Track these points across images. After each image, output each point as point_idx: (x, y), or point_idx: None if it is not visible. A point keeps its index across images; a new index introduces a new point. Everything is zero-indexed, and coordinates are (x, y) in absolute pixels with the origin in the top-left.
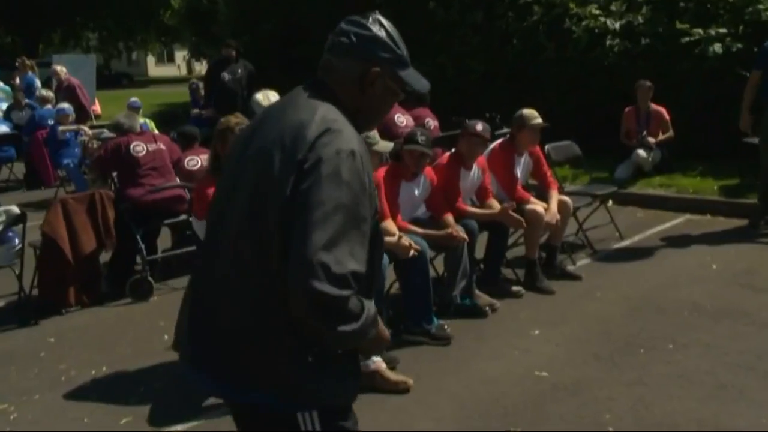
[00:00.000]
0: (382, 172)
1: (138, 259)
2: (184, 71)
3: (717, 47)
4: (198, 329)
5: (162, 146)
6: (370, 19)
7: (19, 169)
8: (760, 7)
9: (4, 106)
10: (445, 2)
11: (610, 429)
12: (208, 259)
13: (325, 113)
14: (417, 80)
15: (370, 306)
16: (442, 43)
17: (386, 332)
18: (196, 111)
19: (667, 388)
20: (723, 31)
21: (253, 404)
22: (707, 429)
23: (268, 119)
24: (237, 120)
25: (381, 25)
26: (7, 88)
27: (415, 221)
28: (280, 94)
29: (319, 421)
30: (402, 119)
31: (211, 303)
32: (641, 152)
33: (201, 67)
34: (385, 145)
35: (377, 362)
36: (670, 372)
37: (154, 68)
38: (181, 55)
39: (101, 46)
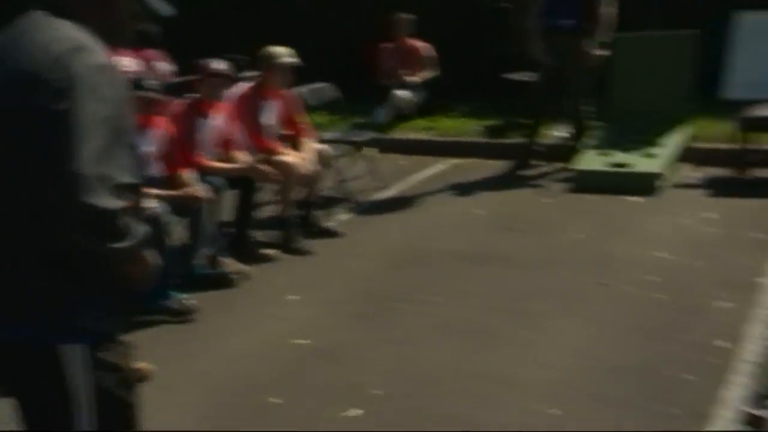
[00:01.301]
0: None
1: None
2: None
3: None
4: None
5: None
6: None
7: None
8: None
9: None
10: None
11: (377, 390)
12: None
13: (70, 32)
14: (156, 2)
15: (140, 225)
16: None
17: (154, 258)
18: None
19: (431, 341)
20: None
21: (11, 340)
22: (470, 378)
23: (6, 46)
24: None
25: None
26: None
27: (149, 181)
28: None
29: (81, 353)
30: (127, 62)
31: None
32: (399, 93)
33: None
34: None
35: None
36: (434, 324)
37: None
38: None
39: None
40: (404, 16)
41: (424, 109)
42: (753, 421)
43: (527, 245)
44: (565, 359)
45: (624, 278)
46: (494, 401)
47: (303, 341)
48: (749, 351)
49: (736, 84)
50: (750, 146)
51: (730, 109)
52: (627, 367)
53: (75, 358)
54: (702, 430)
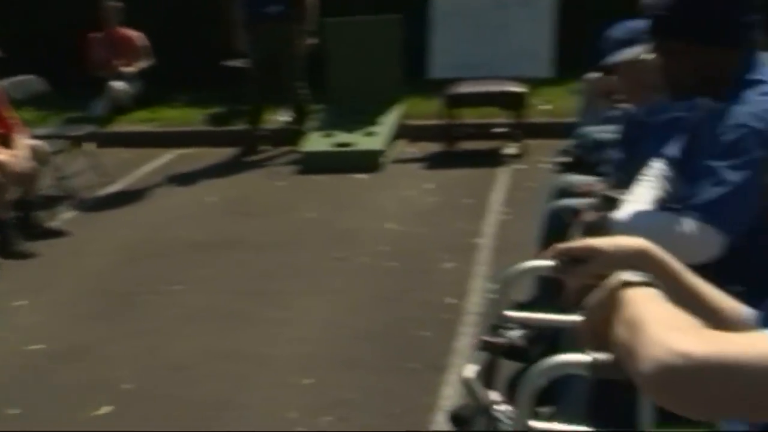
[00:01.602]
0: None
1: None
2: None
3: None
4: None
5: None
6: None
7: None
8: None
9: None
10: None
11: (127, 385)
12: None
13: None
14: None
15: None
16: None
17: None
18: None
19: (179, 330)
20: None
21: None
22: (221, 361)
23: None
24: None
25: None
26: None
27: None
28: None
29: None
30: None
31: None
32: (115, 84)
33: None
34: None
35: None
36: (180, 313)
37: None
38: None
39: None
40: (113, 4)
41: (142, 101)
42: (489, 346)
43: (263, 228)
44: (313, 332)
45: (359, 251)
46: (250, 380)
47: (37, 347)
48: (474, 304)
49: (439, 64)
50: (455, 121)
51: (437, 87)
52: (371, 332)
53: None
54: (441, 379)
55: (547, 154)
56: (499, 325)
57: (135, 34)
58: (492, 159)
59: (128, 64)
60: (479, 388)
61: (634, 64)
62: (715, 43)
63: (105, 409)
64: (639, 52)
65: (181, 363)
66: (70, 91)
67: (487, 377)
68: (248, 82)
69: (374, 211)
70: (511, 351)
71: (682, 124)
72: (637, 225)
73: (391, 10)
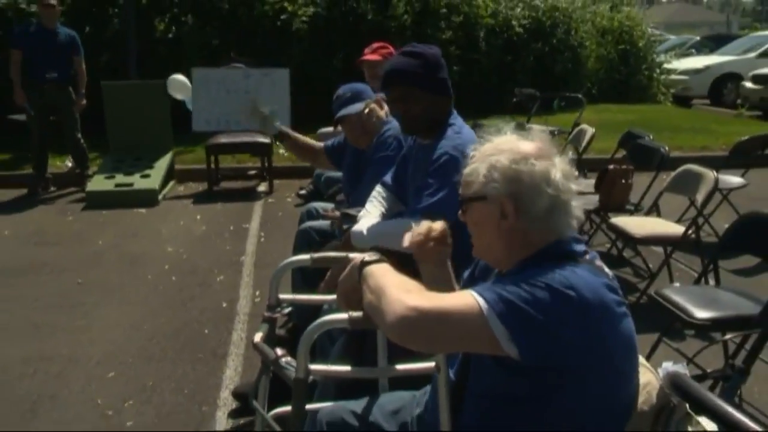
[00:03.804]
0: None
1: None
2: None
3: None
4: None
5: None
6: None
7: None
8: None
9: None
10: None
11: None
12: None
13: None
14: None
15: None
16: None
17: None
18: None
19: None
20: None
21: None
22: (36, 362)
23: None
24: None
25: None
26: None
27: None
28: None
29: None
30: None
31: None
32: None
33: None
34: None
35: None
36: None
37: None
38: None
39: None
40: None
41: None
42: (269, 320)
43: (62, 254)
44: (114, 336)
45: (146, 270)
46: (59, 377)
47: None
48: (243, 306)
49: (200, 120)
50: (217, 165)
51: (201, 139)
52: (163, 332)
53: None
54: (222, 364)
55: (290, 190)
56: (275, 305)
57: None
58: (248, 195)
59: None
60: (266, 349)
61: (356, 117)
62: (437, 92)
63: None
64: (359, 107)
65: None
66: None
67: (270, 342)
68: (30, 134)
69: (155, 238)
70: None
71: (393, 159)
72: (377, 230)
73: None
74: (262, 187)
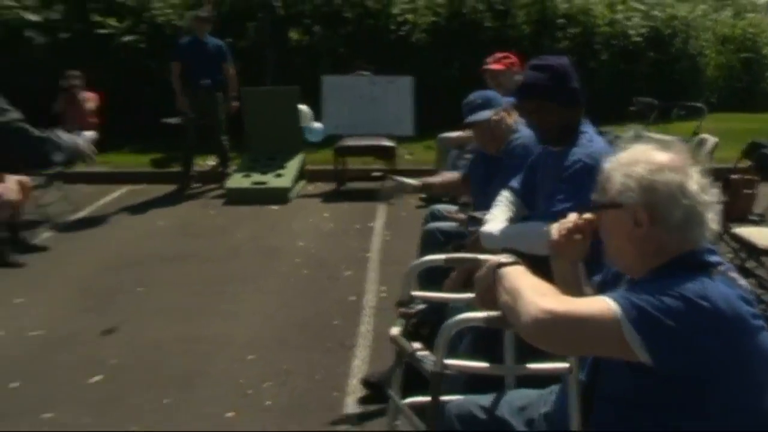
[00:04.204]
0: None
1: None
2: None
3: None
4: None
5: None
6: None
7: None
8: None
9: None
10: None
11: (113, 361)
12: None
13: None
14: None
15: None
16: None
17: None
18: None
19: (150, 320)
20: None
21: None
22: (187, 342)
23: None
24: None
25: None
26: None
27: None
28: None
29: None
30: None
31: None
32: (84, 133)
33: None
34: None
35: None
36: (153, 307)
37: None
38: None
39: None
40: (75, 73)
41: (96, 148)
42: (404, 315)
43: (206, 245)
44: (253, 322)
45: (280, 263)
46: (207, 356)
47: (37, 333)
48: (369, 300)
49: (331, 124)
50: (344, 167)
51: (330, 141)
52: (297, 321)
53: None
54: (350, 354)
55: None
56: (408, 301)
57: (91, 96)
58: (372, 196)
59: (86, 119)
60: (404, 342)
61: (486, 123)
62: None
63: (95, 378)
64: (489, 114)
65: (155, 344)
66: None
67: (406, 335)
68: (183, 136)
69: (287, 234)
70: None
71: (521, 166)
72: (509, 232)
73: (293, 83)
74: None
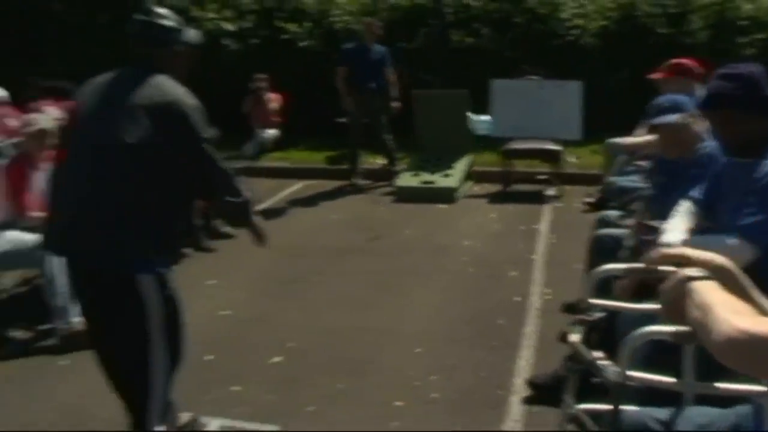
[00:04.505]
0: (15, 166)
1: None
2: None
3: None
4: (68, 231)
5: None
6: (157, 15)
7: None
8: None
9: None
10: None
11: (291, 344)
12: (67, 187)
13: (166, 81)
14: (195, 35)
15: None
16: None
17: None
18: None
19: (324, 308)
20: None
21: (107, 270)
22: (358, 332)
23: (114, 91)
24: None
25: (164, 16)
26: None
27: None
28: None
29: (154, 281)
30: (53, 111)
31: (80, 212)
32: (268, 131)
33: None
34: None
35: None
36: (327, 296)
37: None
38: None
39: None
40: (262, 76)
41: (278, 145)
42: (583, 322)
43: (378, 239)
44: (421, 316)
45: (447, 260)
46: (378, 346)
47: (227, 312)
48: (535, 302)
49: (499, 126)
50: (510, 169)
51: (497, 143)
52: (463, 318)
53: (148, 283)
54: (515, 354)
55: (578, 196)
56: (586, 308)
57: (275, 96)
58: (537, 198)
59: (269, 118)
60: (584, 349)
61: (673, 126)
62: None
63: (276, 359)
64: (677, 118)
65: (329, 331)
66: (230, 136)
67: (586, 342)
68: (349, 135)
69: (454, 232)
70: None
71: (705, 174)
72: (694, 243)
73: (461, 86)
74: (551, 192)
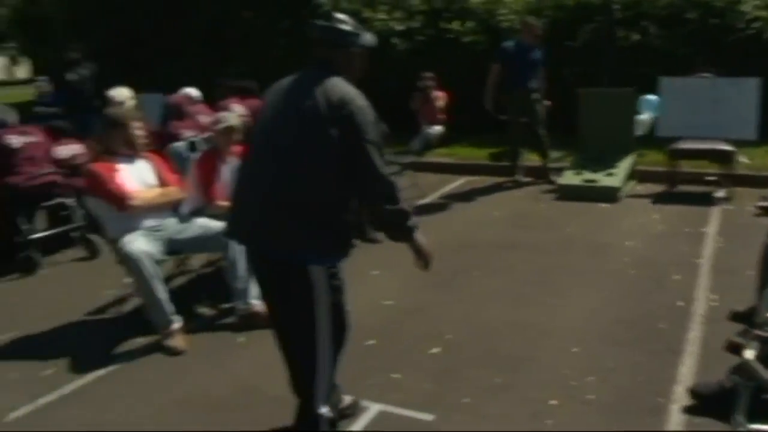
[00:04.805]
0: (206, 159)
1: (20, 238)
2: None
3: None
4: (250, 222)
5: (35, 138)
6: (337, 20)
7: None
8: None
9: None
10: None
11: (449, 336)
12: (251, 181)
13: (339, 82)
14: (369, 38)
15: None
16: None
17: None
18: (39, 108)
19: (483, 303)
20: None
21: (283, 260)
22: (516, 327)
23: (294, 91)
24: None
25: (343, 21)
26: None
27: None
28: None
29: (324, 272)
30: (239, 108)
31: (260, 205)
32: (428, 129)
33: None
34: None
35: (258, 305)
36: (485, 291)
37: None
38: None
39: None
40: (430, 75)
41: (443, 141)
42: (761, 339)
43: (538, 237)
44: (579, 315)
45: (607, 260)
46: (534, 343)
47: (389, 302)
48: (699, 308)
49: (666, 125)
50: (677, 169)
51: (663, 143)
52: (620, 320)
53: (319, 274)
54: (677, 360)
55: (750, 199)
56: (765, 323)
57: (441, 95)
58: (705, 200)
59: (436, 116)
60: (760, 368)
61: None
62: None
63: (435, 350)
64: None
65: (486, 325)
66: (398, 132)
67: (763, 362)
68: (509, 132)
69: (616, 232)
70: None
71: None
72: None
73: (627, 84)
74: (721, 193)
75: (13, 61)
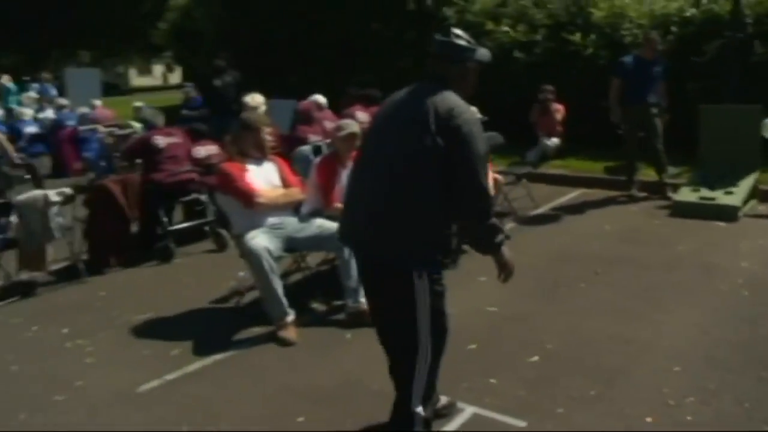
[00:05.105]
0: (327, 163)
1: (160, 229)
2: (160, 81)
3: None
4: (358, 227)
5: (178, 139)
6: (454, 35)
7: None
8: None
9: (31, 111)
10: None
11: (549, 345)
12: (360, 187)
13: (450, 95)
14: (485, 54)
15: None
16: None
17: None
18: (185, 112)
19: (586, 315)
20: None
21: (389, 264)
22: (617, 342)
23: (406, 102)
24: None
25: (460, 36)
26: (35, 94)
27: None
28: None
29: (427, 278)
30: (361, 116)
31: (369, 211)
32: (545, 140)
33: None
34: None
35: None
36: (586, 303)
37: (136, 79)
38: (157, 68)
39: (93, 61)
40: (550, 87)
41: (559, 153)
42: None
43: (648, 253)
44: (683, 334)
45: (720, 280)
46: (634, 359)
47: (493, 309)
48: None
49: None
50: None
51: None
52: (728, 343)
53: (422, 278)
54: None
55: None
56: None
57: (559, 107)
58: None
59: (554, 127)
60: None
61: None
62: None
63: (533, 358)
64: None
65: (586, 337)
66: (515, 143)
67: None
68: (625, 147)
69: (731, 252)
70: None
71: None
72: None
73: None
74: None
75: (168, 69)
